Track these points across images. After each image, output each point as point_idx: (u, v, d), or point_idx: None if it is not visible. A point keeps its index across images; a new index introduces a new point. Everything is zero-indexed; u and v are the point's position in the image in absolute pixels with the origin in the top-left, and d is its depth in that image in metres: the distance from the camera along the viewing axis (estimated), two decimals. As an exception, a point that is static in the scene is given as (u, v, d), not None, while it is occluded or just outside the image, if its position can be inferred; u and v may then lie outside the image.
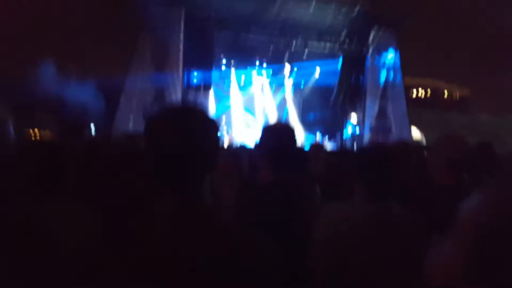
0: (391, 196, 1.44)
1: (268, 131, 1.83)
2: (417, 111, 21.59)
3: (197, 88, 13.16)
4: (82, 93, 12.25)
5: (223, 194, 2.06)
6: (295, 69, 15.63)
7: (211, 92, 14.50)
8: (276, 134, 1.78)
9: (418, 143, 16.42)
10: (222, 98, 15.50)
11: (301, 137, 15.36)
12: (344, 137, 15.00)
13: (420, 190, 1.77)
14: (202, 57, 12.67)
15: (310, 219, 1.45)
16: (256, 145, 1.97)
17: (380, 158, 1.44)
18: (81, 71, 13.48)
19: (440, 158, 1.86)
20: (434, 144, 2.03)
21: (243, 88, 15.96)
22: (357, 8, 13.11)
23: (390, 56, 14.03)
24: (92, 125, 12.53)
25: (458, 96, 43.99)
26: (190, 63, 12.58)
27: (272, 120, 15.10)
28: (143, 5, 11.82)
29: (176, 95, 12.27)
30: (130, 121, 11.84)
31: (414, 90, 39.70)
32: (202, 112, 0.98)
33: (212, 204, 1.00)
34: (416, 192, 1.70)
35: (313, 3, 12.96)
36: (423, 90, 41.63)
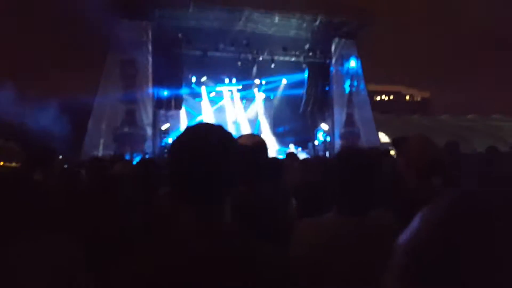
0: (368, 207, 1.35)
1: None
2: (382, 116, 22.54)
3: (168, 106, 13.13)
4: (48, 118, 11.83)
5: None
6: (264, 82, 16.01)
7: (183, 110, 14.51)
8: (245, 149, 1.69)
9: (387, 146, 17.08)
10: (194, 115, 15.54)
11: (274, 150, 15.63)
12: (316, 146, 15.38)
13: (394, 197, 1.69)
14: (172, 75, 12.72)
15: (286, 235, 1.40)
16: None
17: (353, 167, 1.37)
18: (46, 94, 13.05)
19: (408, 163, 1.80)
20: (402, 148, 1.93)
21: (214, 104, 16.09)
22: (318, 20, 13.74)
23: (352, 64, 14.72)
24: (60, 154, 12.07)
25: (419, 99, 46.33)
26: (160, 82, 12.59)
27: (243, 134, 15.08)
28: (110, 24, 11.84)
29: (147, 115, 12.22)
30: (100, 144, 11.60)
31: (378, 96, 41.45)
32: (221, 130, 0.98)
33: (234, 223, 1.01)
34: (390, 200, 1.63)
35: (276, 18, 13.47)
36: (386, 96, 43.53)
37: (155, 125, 12.84)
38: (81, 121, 11.93)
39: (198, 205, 0.91)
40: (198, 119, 15.66)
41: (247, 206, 1.53)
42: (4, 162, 11.58)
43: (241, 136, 1.93)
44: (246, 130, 16.27)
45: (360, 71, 15.02)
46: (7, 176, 1.54)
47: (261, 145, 1.80)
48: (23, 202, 1.30)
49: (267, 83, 16.01)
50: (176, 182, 0.93)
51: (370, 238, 1.29)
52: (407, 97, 46.41)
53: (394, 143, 3.40)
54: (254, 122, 16.71)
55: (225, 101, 16.17)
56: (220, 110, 16.16)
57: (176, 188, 0.94)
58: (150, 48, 12.12)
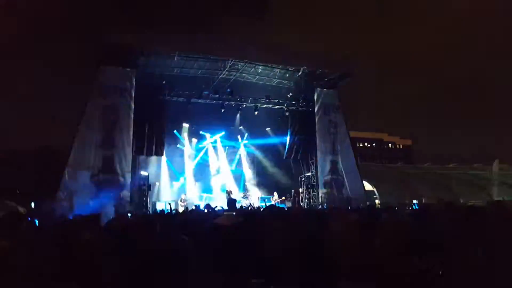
0: None
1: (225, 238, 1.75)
2: (365, 164, 22.67)
3: (149, 152, 12.79)
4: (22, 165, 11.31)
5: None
6: (247, 130, 16.03)
7: (163, 158, 14.15)
8: (223, 229, 1.70)
9: (372, 196, 16.92)
10: (176, 164, 15.13)
11: (257, 198, 15.23)
12: (301, 194, 15.09)
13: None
14: (154, 121, 12.57)
15: None
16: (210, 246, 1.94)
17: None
18: (24, 137, 12.66)
19: (383, 244, 1.71)
20: (379, 224, 1.86)
21: (196, 151, 15.83)
22: (300, 71, 14.13)
23: (335, 113, 14.96)
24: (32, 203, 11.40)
25: (401, 147, 47.42)
26: (142, 128, 12.37)
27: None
28: (93, 71, 11.84)
29: (126, 161, 11.82)
30: (75, 194, 11.03)
31: (360, 143, 42.22)
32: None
33: None
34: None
35: (260, 67, 13.80)
36: (368, 143, 44.41)
37: (135, 171, 12.41)
38: (59, 166, 11.44)
39: None
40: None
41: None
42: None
43: (220, 217, 2.10)
44: (228, 178, 15.95)
45: (342, 119, 15.24)
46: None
47: (238, 226, 1.87)
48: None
49: (250, 130, 16.04)
50: None
51: None
52: (389, 145, 47.36)
53: (371, 218, 3.32)
54: (237, 169, 16.44)
55: (208, 148, 15.96)
56: (203, 157, 15.87)
57: None
58: (133, 94, 12.06)
